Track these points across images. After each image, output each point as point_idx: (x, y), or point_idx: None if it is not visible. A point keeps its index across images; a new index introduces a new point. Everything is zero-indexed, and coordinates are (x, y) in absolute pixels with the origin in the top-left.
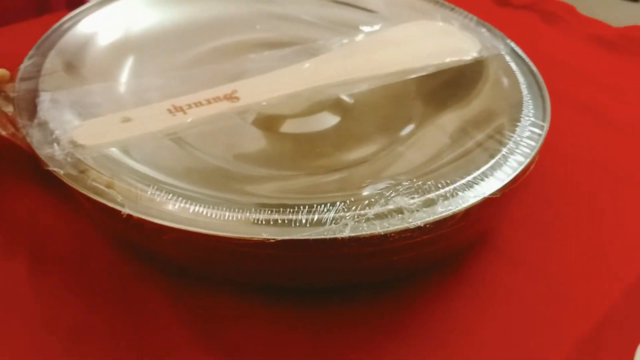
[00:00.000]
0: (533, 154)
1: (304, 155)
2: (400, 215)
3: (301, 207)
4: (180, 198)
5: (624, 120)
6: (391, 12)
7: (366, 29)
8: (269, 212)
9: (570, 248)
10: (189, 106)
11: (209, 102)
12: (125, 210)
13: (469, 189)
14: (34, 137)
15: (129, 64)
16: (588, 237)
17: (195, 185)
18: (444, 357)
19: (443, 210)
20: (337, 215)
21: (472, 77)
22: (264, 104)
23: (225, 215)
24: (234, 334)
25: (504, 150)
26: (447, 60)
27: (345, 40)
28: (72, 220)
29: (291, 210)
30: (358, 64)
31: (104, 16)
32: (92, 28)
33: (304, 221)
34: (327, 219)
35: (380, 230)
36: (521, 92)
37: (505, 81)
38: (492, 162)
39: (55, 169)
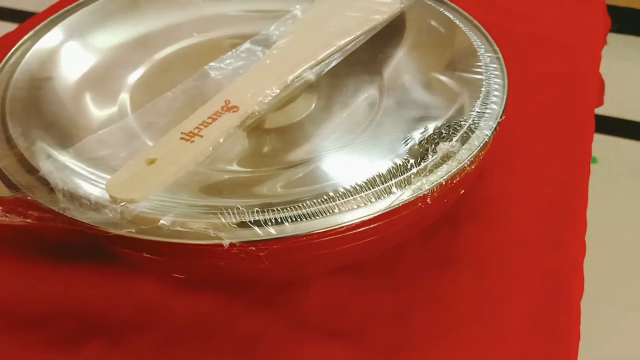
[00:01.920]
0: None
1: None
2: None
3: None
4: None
5: None
6: None
7: (296, 9)
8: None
9: None
10: (199, 128)
11: (213, 118)
12: (228, 241)
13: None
14: (74, 210)
15: (93, 101)
16: None
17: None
18: None
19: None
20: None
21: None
22: (264, 106)
23: None
24: None
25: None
26: (379, 17)
27: (282, 28)
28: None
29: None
30: (313, 43)
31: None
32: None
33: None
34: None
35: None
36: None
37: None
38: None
39: (126, 231)
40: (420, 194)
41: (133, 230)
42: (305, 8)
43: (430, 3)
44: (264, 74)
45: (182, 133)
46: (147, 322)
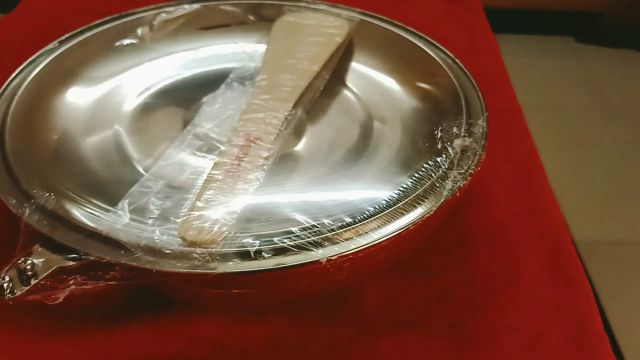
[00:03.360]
0: None
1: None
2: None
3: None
4: None
5: None
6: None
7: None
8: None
9: None
10: (237, 163)
11: (244, 152)
12: (325, 258)
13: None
14: (166, 263)
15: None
16: None
17: None
18: None
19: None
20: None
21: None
22: (282, 133)
23: None
24: None
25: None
26: (338, 39)
27: (253, 64)
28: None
29: None
30: (293, 70)
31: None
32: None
33: None
34: None
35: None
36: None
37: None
38: None
39: (235, 269)
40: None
41: (233, 268)
42: (265, 40)
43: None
44: (267, 104)
45: (224, 170)
46: (225, 358)
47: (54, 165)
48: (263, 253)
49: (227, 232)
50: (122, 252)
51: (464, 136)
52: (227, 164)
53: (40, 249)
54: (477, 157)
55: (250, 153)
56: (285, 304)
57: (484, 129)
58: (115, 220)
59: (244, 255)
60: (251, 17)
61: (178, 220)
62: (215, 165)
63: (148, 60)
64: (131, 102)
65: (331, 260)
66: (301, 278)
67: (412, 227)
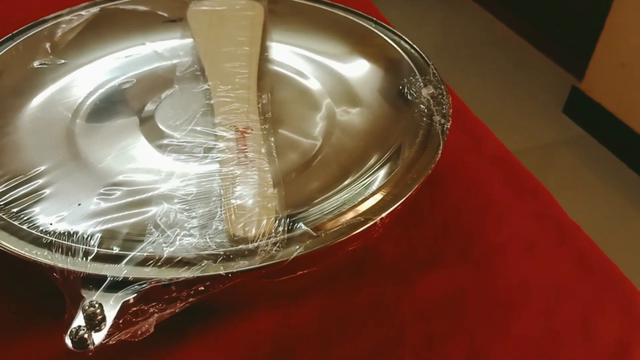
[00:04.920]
0: None
1: None
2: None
3: None
4: None
5: None
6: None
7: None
8: None
9: None
10: (243, 154)
11: (245, 144)
12: (378, 218)
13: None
14: (236, 265)
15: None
16: None
17: None
18: None
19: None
20: None
21: None
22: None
23: None
24: None
25: None
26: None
27: (187, 58)
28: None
29: None
30: (238, 59)
31: None
32: None
33: None
34: None
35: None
36: None
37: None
38: None
39: (310, 248)
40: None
41: (302, 249)
42: (180, 34)
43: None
44: (233, 94)
45: (236, 165)
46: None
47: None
48: (321, 231)
49: (275, 220)
50: (186, 267)
51: (426, 85)
52: (234, 159)
53: (92, 291)
54: (447, 99)
55: (249, 143)
56: (318, 284)
57: (438, 77)
58: (159, 241)
59: (307, 236)
60: (153, 14)
61: (219, 225)
62: (223, 163)
63: (67, 76)
64: (73, 123)
65: (383, 219)
66: (355, 241)
67: (438, 159)
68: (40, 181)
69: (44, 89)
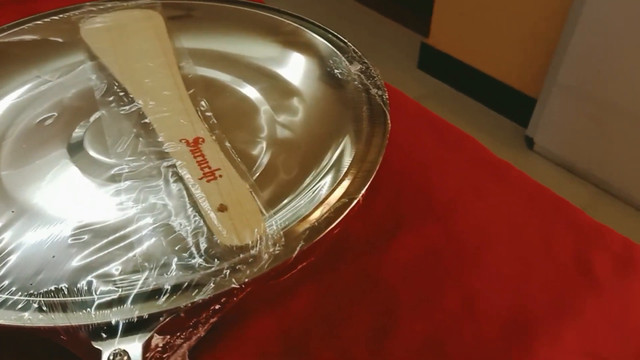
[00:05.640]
0: None
1: None
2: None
3: None
4: None
5: None
6: None
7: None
8: None
9: None
10: (207, 166)
11: (202, 154)
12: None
13: None
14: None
15: None
16: None
17: None
18: None
19: None
20: None
21: None
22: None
23: None
24: None
25: None
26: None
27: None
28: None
29: None
30: (155, 71)
31: None
32: None
33: None
34: None
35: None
36: None
37: None
38: None
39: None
40: None
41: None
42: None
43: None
44: (168, 108)
45: (201, 179)
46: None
47: None
48: (316, 220)
49: (264, 221)
50: (197, 290)
51: (352, 63)
52: (197, 172)
53: (107, 341)
54: (376, 72)
55: (206, 152)
56: (303, 275)
57: (358, 52)
58: (154, 274)
59: (310, 229)
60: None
61: (206, 242)
62: (188, 177)
63: None
64: None
65: (364, 194)
66: (342, 223)
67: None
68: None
69: None
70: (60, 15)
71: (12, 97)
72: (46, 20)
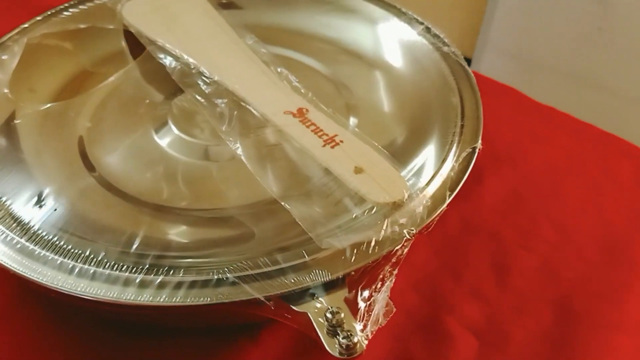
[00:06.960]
0: None
1: None
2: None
3: None
4: None
5: None
6: None
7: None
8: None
9: None
10: (322, 133)
11: (316, 125)
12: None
13: None
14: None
15: None
16: None
17: None
18: None
19: None
20: None
21: None
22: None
23: None
24: None
25: None
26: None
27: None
28: None
29: None
30: (231, 50)
31: None
32: None
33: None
34: None
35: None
36: None
37: None
38: None
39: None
40: None
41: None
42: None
43: None
44: (256, 84)
45: (324, 147)
46: None
47: None
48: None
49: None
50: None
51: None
52: (319, 141)
53: (310, 303)
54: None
55: (318, 122)
56: None
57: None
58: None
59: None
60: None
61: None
62: (314, 146)
63: None
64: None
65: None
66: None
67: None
68: None
69: None
70: (92, 3)
71: None
72: (82, 7)
